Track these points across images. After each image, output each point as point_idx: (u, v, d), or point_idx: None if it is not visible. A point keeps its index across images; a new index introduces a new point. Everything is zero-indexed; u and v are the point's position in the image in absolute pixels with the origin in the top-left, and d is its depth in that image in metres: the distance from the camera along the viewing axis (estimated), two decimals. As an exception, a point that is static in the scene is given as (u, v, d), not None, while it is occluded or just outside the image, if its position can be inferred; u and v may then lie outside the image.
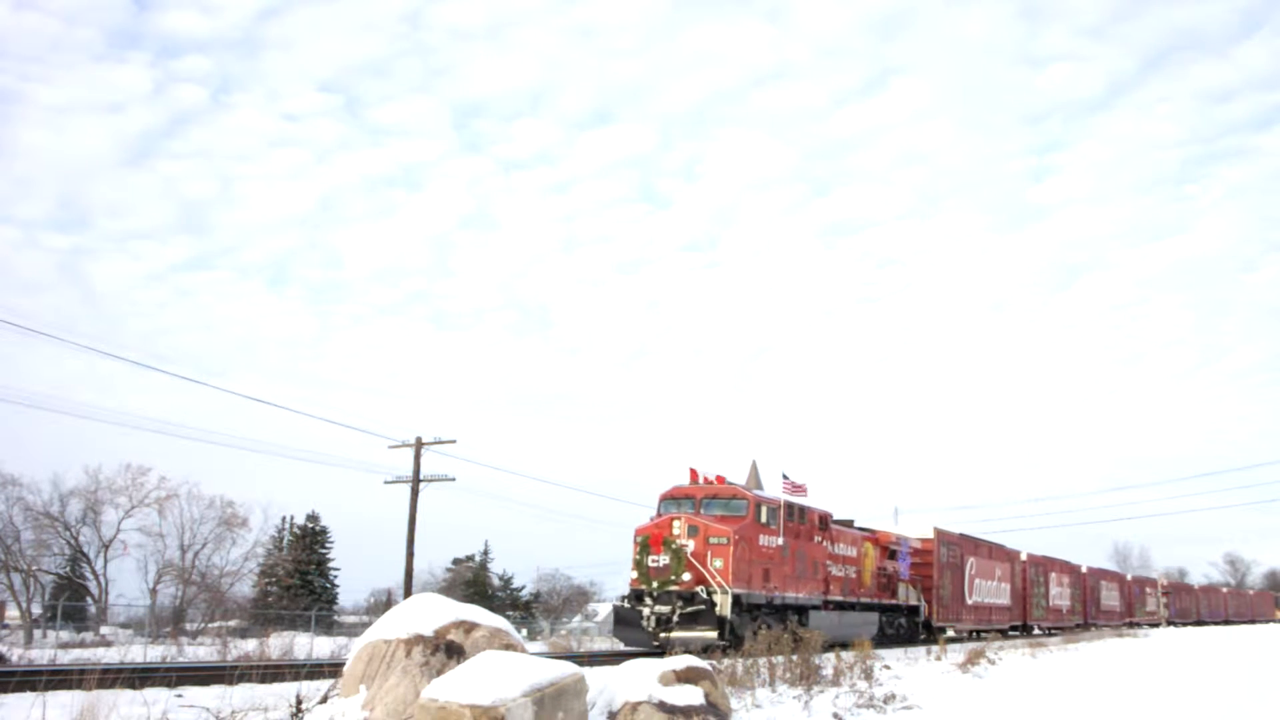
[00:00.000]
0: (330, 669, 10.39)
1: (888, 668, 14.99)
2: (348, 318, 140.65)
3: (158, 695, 8.12)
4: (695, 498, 21.68)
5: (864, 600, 27.58)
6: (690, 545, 20.21)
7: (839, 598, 25.61)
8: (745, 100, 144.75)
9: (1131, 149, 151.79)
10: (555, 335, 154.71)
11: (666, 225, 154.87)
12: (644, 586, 20.26)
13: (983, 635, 34.45)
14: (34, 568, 38.86)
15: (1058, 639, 34.78)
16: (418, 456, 33.87)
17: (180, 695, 8.49)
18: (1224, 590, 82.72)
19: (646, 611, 19.87)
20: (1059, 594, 47.82)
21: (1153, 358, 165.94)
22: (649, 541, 20.61)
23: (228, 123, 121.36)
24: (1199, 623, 68.45)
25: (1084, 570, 52.51)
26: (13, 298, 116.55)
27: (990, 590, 38.55)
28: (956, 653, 20.00)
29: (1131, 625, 54.68)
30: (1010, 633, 38.75)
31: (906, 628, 30.93)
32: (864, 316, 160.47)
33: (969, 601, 35.84)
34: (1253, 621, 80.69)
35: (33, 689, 8.00)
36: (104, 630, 36.27)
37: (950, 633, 37.35)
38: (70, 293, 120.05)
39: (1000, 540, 48.68)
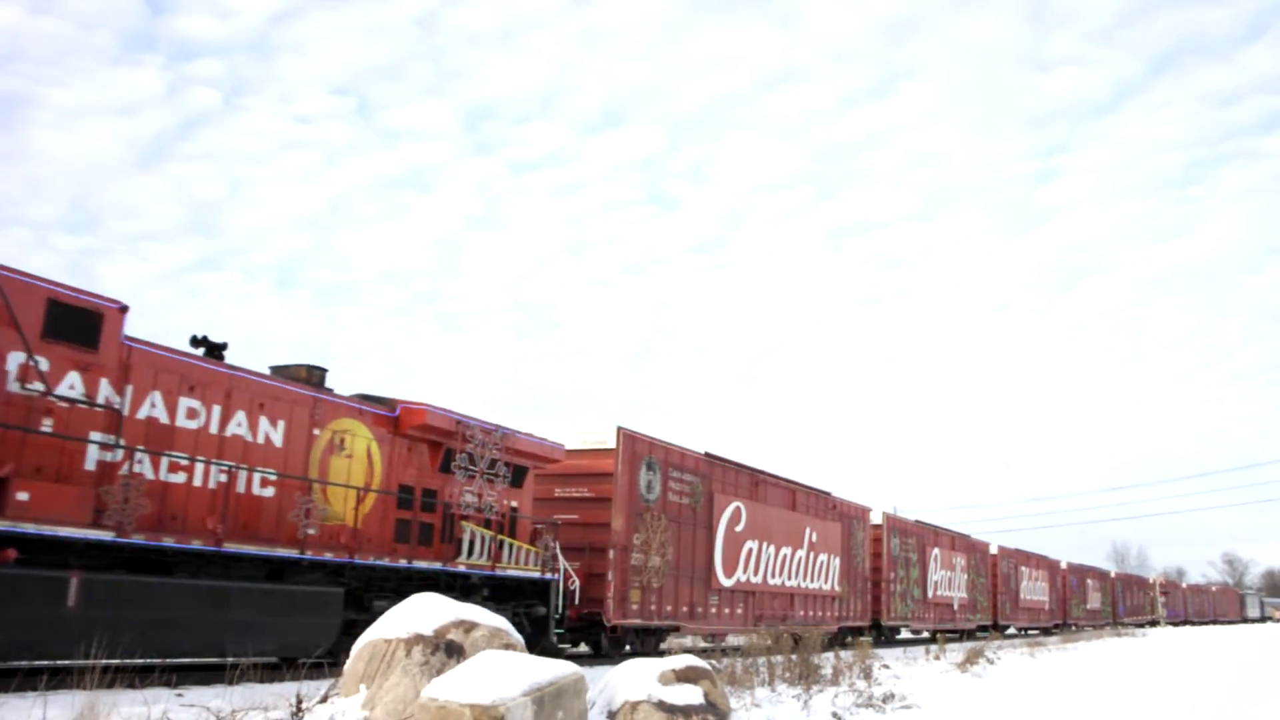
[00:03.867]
0: (331, 668, 10.39)
1: (886, 667, 15.01)
2: (356, 318, 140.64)
3: (158, 694, 8.11)
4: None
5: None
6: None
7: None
8: (754, 103, 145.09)
9: (1137, 152, 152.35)
10: (562, 336, 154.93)
11: (674, 227, 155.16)
12: None
13: (946, 636, 30.64)
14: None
15: (1056, 638, 33.77)
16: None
17: (181, 694, 8.50)
18: (1183, 588, 78.78)
19: None
20: (1034, 591, 44.71)
21: (1155, 358, 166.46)
22: None
23: (240, 125, 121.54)
24: (1153, 623, 63.92)
25: (1063, 567, 49.90)
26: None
27: (954, 586, 35.04)
28: (956, 652, 20.01)
29: (1116, 624, 52.59)
30: (979, 633, 35.53)
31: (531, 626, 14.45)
32: (869, 318, 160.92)
33: (929, 597, 32.33)
34: (1214, 621, 77.71)
35: (33, 688, 8.00)
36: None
37: (905, 634, 34.34)
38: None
39: (1000, 542, 46.59)
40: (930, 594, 32.54)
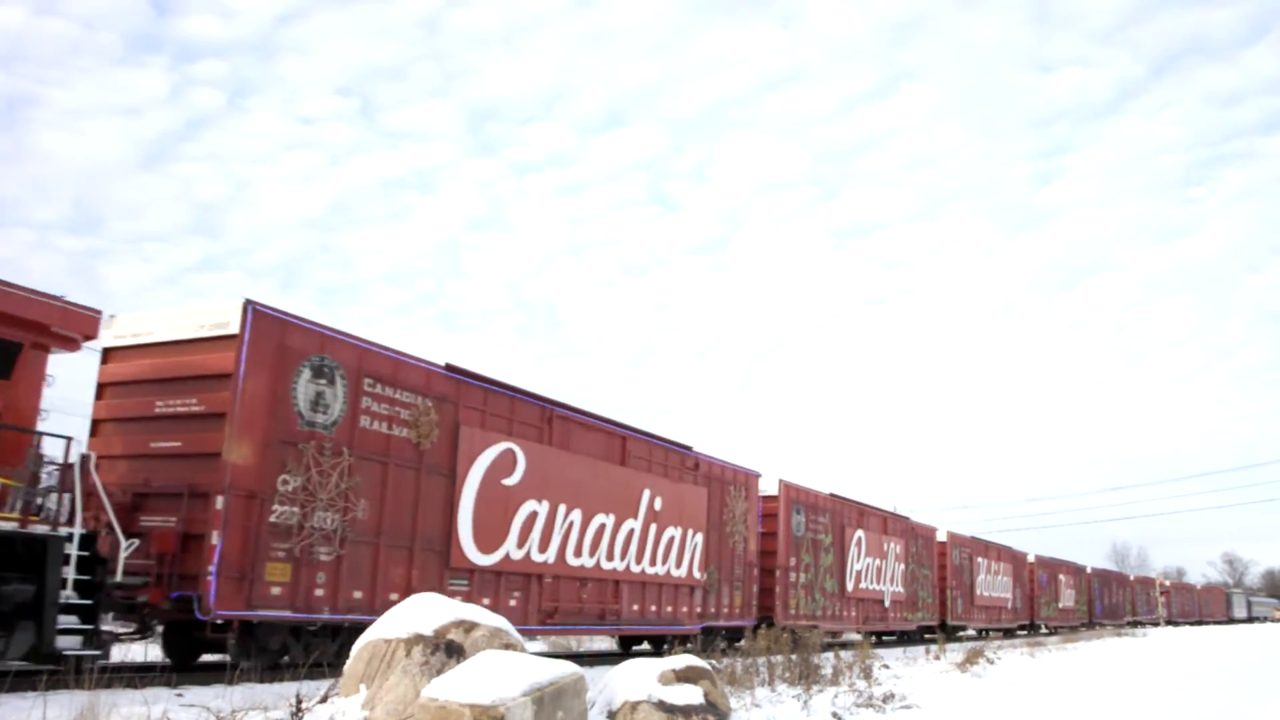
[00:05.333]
0: (330, 668, 10.39)
1: (886, 667, 15.02)
2: (358, 319, 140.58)
3: (158, 694, 8.12)
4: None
5: None
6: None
7: None
8: (757, 104, 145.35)
9: (1138, 152, 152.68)
10: (564, 336, 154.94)
11: (676, 227, 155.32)
12: None
13: (876, 639, 27.34)
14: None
15: (1056, 639, 33.18)
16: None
17: (180, 694, 8.49)
18: (1167, 586, 72.99)
19: None
20: (994, 586, 38.15)
21: (1155, 358, 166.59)
22: None
23: (243, 126, 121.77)
24: (1137, 623, 58.67)
25: (1030, 559, 43.84)
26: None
27: (886, 577, 28.27)
28: (956, 652, 20.02)
29: (1092, 625, 49.86)
30: (926, 636, 30.89)
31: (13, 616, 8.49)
32: (871, 318, 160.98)
33: (850, 591, 25.56)
34: (1199, 622, 74.70)
35: (33, 688, 8.00)
36: (104, 628, 36.12)
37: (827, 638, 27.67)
38: (82, 295, 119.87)
39: (1007, 542, 43.00)
40: (851, 587, 25.74)
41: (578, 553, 15.83)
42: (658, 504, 17.97)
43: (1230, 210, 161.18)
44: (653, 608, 18.02)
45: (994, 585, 38.13)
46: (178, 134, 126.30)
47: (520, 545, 14.55)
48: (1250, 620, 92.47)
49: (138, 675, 8.77)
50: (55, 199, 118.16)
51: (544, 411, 15.49)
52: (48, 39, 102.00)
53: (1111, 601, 56.70)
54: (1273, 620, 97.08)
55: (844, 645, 20.61)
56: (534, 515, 14.87)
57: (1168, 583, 73.31)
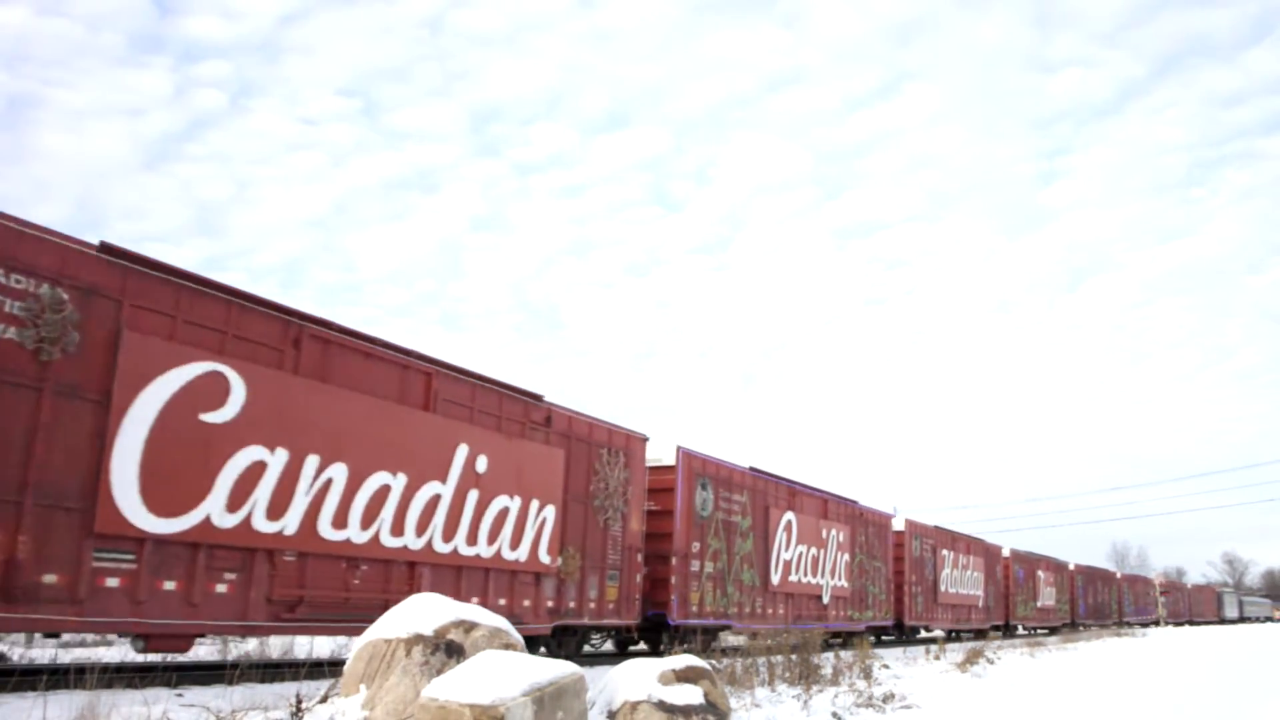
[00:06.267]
0: (330, 668, 10.39)
1: (886, 667, 15.03)
2: (359, 319, 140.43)
3: (158, 694, 8.12)
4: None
5: None
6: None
7: None
8: (759, 104, 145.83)
9: (1140, 153, 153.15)
10: (566, 336, 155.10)
11: (678, 228, 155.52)
12: None
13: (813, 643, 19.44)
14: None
15: (1056, 639, 32.58)
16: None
17: (181, 694, 8.50)
18: (1156, 584, 70.58)
19: None
20: (963, 582, 33.99)
21: (1156, 359, 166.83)
22: None
23: (246, 126, 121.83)
24: (1125, 623, 55.25)
25: (1005, 554, 40.27)
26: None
27: (823, 570, 23.60)
28: (955, 652, 20.03)
29: (1075, 626, 47.25)
30: (884, 638, 27.74)
31: None
32: (872, 318, 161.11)
33: (774, 585, 21.17)
34: (1190, 622, 73.02)
35: (33, 688, 8.01)
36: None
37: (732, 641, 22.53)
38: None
39: (1007, 542, 41.30)
40: (777, 580, 21.40)
41: (340, 523, 11.19)
42: (481, 464, 13.51)
43: (1231, 211, 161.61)
44: (474, 600, 13.09)
45: (962, 581, 33.95)
46: (180, 134, 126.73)
47: (234, 508, 10.25)
48: (1242, 620, 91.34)
49: (138, 675, 8.78)
50: (58, 199, 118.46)
51: (288, 328, 11.24)
52: (51, 39, 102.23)
53: (1097, 601, 53.66)
54: (1272, 620, 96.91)
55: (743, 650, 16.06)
56: (260, 467, 10.63)
57: (1158, 581, 71.93)
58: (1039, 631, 42.46)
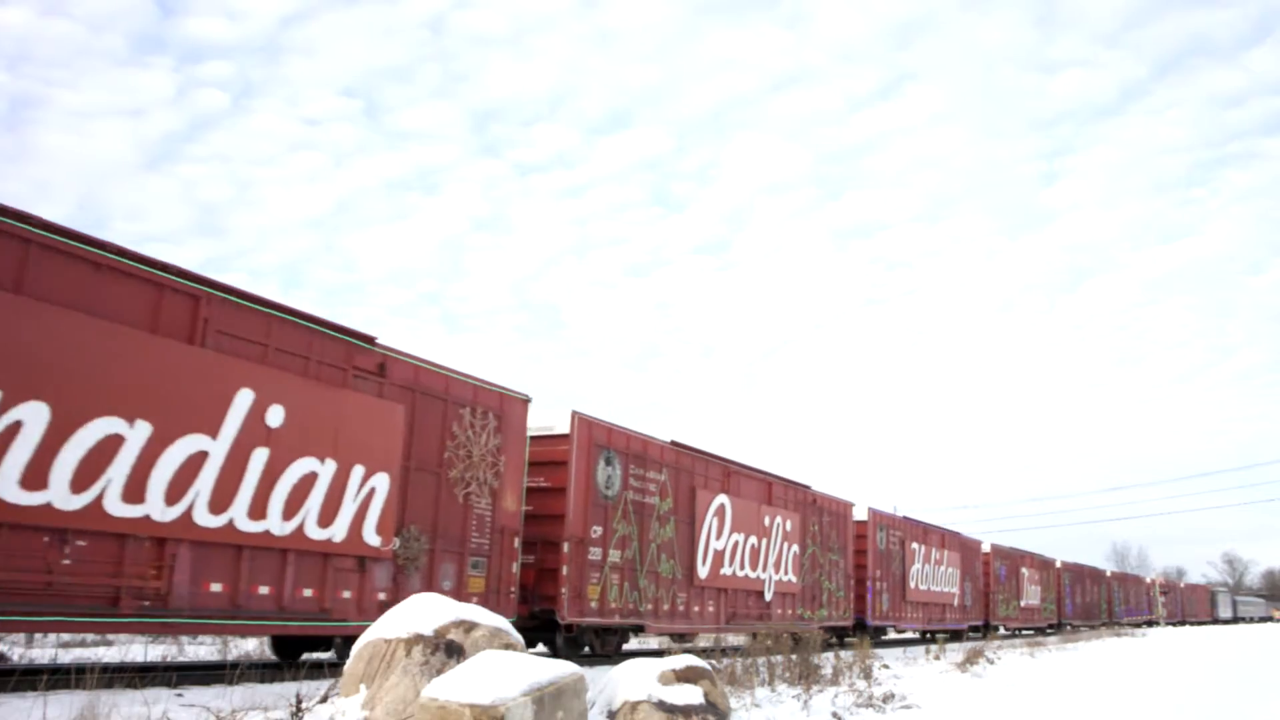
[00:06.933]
0: (330, 668, 10.39)
1: (886, 667, 15.03)
2: (360, 319, 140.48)
3: (158, 694, 8.13)
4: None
5: None
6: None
7: None
8: (761, 104, 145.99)
9: (1141, 153, 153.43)
10: (567, 337, 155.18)
11: (680, 228, 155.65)
12: None
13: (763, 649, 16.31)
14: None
15: (1055, 638, 31.97)
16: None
17: (180, 694, 8.50)
18: (1145, 583, 68.11)
19: None
20: (935, 579, 31.28)
21: (1157, 359, 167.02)
22: None
23: (248, 127, 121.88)
24: (1115, 623, 52.26)
25: (985, 549, 37.80)
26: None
27: (766, 562, 20.55)
28: (955, 652, 20.03)
29: (1062, 627, 45.46)
30: (847, 639, 23.98)
31: None
32: (873, 318, 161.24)
33: (701, 579, 17.87)
34: (1182, 622, 71.56)
35: (33, 688, 8.00)
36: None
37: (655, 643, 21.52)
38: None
39: (1009, 542, 40.35)
40: (706, 573, 18.09)
41: (35, 482, 8.32)
42: (275, 417, 10.63)
43: (1232, 211, 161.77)
44: (264, 589, 10.45)
45: (935, 577, 31.24)
46: (182, 135, 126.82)
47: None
48: (1236, 620, 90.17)
49: (138, 675, 8.78)
50: (59, 200, 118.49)
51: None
52: (53, 40, 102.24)
53: (1085, 600, 51.27)
54: (1271, 620, 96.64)
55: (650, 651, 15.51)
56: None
57: (1149, 579, 70.19)
58: (1023, 632, 40.20)
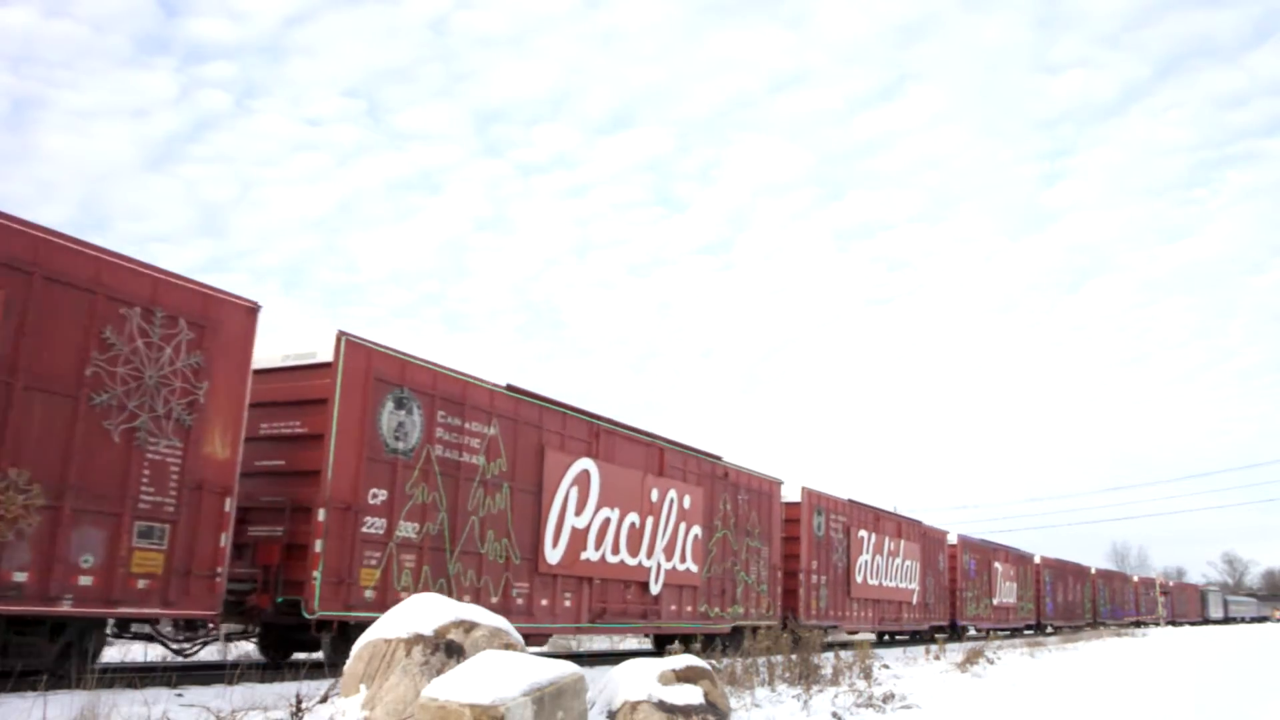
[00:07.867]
0: (330, 669, 10.38)
1: (886, 667, 15.03)
2: (361, 320, 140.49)
3: (158, 694, 8.12)
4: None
5: None
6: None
7: None
8: (763, 105, 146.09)
9: (1142, 154, 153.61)
10: (567, 337, 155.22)
11: (681, 228, 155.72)
12: None
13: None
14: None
15: (1055, 638, 31.61)
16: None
17: (180, 694, 8.50)
18: (1134, 582, 65.27)
19: None
20: (890, 573, 27.34)
21: (1157, 359, 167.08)
22: None
23: (250, 127, 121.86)
24: (1099, 624, 49.72)
25: (952, 541, 34.16)
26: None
27: (658, 547, 16.93)
28: (955, 652, 20.03)
29: (1040, 628, 42.47)
30: (771, 646, 15.79)
31: None
32: (875, 318, 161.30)
33: (548, 562, 14.37)
34: (1172, 622, 69.61)
35: (33, 688, 8.00)
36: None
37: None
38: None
39: (1008, 542, 38.49)
40: (558, 559, 14.63)
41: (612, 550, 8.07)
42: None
43: (1233, 211, 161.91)
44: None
45: (889, 571, 27.14)
46: (185, 135, 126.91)
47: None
48: (1227, 621, 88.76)
49: (138, 675, 8.78)
50: (62, 200, 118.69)
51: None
52: (56, 41, 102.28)
53: (1067, 599, 47.19)
54: (1268, 620, 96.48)
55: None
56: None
57: (1136, 578, 68.50)
58: (996, 633, 36.18)
